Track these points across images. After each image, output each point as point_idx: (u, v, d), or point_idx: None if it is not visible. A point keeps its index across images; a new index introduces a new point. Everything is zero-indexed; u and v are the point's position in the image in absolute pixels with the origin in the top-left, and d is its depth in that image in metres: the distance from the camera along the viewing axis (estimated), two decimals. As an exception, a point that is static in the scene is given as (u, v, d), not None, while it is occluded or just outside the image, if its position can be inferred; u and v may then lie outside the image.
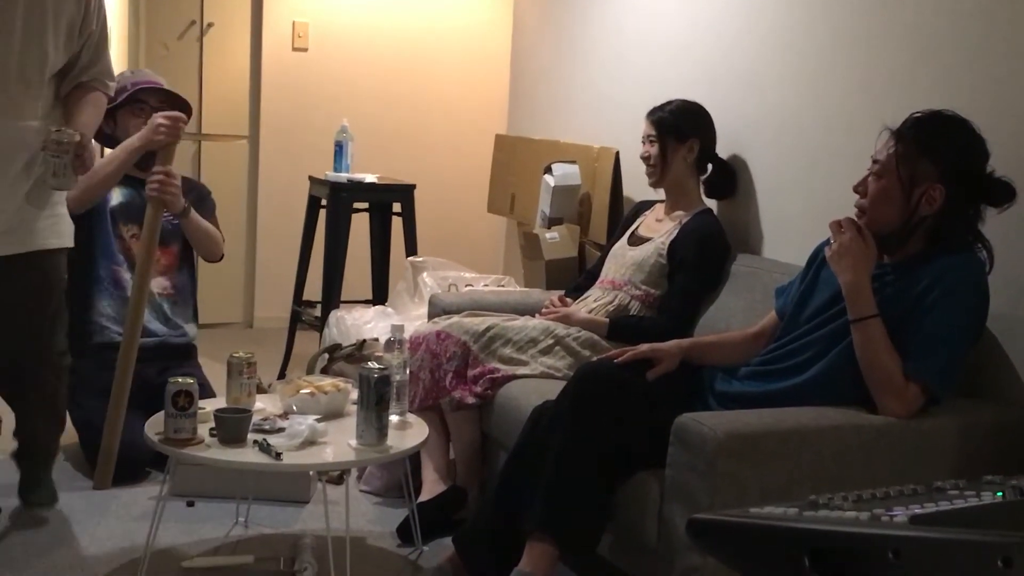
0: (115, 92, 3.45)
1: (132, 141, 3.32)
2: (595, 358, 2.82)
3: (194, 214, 3.41)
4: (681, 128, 3.22)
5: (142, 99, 3.51)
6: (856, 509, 1.45)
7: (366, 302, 4.57)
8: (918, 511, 1.36)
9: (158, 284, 3.50)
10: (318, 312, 4.48)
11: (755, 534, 1.44)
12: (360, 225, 4.73)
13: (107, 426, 2.77)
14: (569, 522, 2.35)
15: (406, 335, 2.97)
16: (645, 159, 3.28)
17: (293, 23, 5.44)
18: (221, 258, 3.71)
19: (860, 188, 2.42)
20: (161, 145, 3.13)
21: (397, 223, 4.62)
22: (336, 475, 3.25)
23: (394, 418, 2.72)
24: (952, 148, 2.33)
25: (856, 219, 2.41)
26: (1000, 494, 1.40)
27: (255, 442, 2.49)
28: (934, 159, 2.31)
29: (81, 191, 3.25)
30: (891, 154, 2.35)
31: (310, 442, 2.52)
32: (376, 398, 2.51)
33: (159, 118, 3.11)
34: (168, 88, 3.58)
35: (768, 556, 1.41)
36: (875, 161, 2.39)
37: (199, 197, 3.63)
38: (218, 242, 3.58)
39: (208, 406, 2.65)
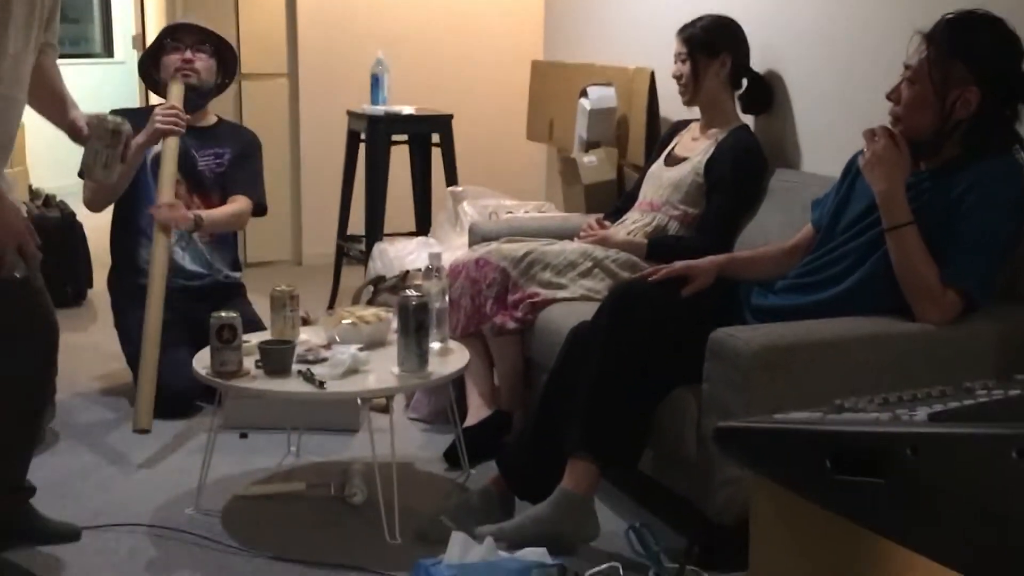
0: (161, 33, 3.54)
1: (139, 139, 3.34)
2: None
3: (206, 220, 3.44)
4: (712, 43, 3.18)
5: (178, 38, 3.55)
6: (879, 411, 1.46)
7: (410, 234, 4.60)
8: (937, 409, 1.37)
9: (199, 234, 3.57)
10: (363, 246, 4.52)
11: (779, 439, 1.46)
12: (401, 157, 4.75)
13: (142, 370, 2.84)
14: (608, 440, 2.39)
15: (445, 263, 3.00)
16: (677, 78, 3.24)
17: (327, -44, 5.42)
18: (264, 212, 3.75)
19: (893, 95, 2.39)
20: (165, 135, 3.33)
21: (437, 154, 4.63)
22: (383, 403, 3.31)
23: (435, 345, 2.76)
24: (985, 48, 2.28)
25: (891, 127, 2.38)
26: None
27: (299, 372, 2.55)
28: (967, 61, 2.27)
29: (101, 193, 3.42)
30: (923, 59, 2.31)
31: (353, 371, 2.57)
32: (415, 325, 2.55)
33: (157, 113, 3.36)
34: (202, 26, 3.60)
35: (792, 460, 1.43)
36: (907, 67, 2.36)
37: (241, 151, 3.66)
38: (240, 220, 3.62)
39: (254, 339, 2.71)
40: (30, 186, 6.17)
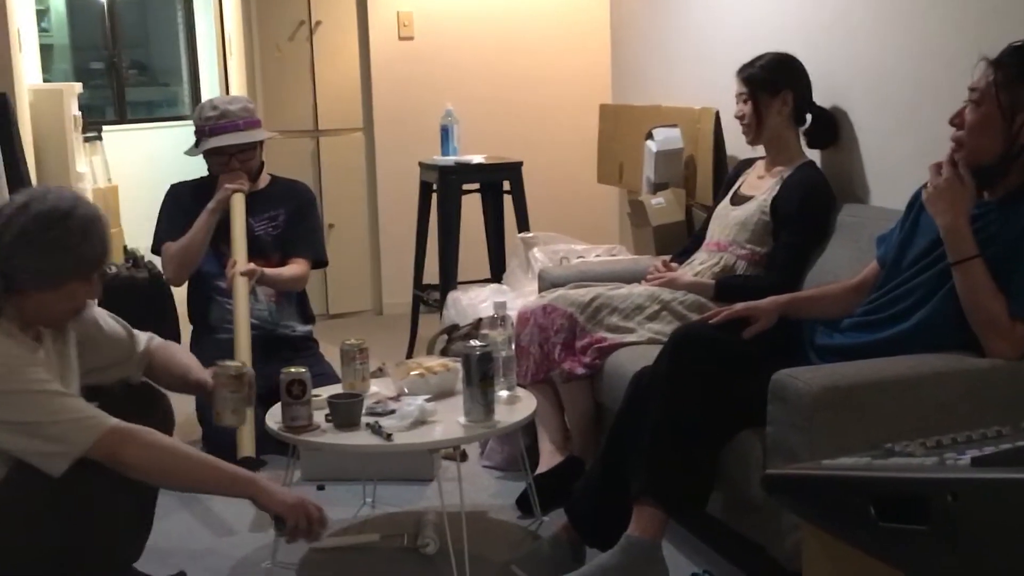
0: (201, 128, 3.63)
1: (209, 205, 3.57)
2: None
3: (267, 275, 3.54)
4: (772, 81, 3.16)
5: (220, 151, 3.65)
6: (929, 455, 1.43)
7: (484, 281, 4.64)
8: (987, 451, 1.34)
9: (263, 291, 3.66)
10: (439, 295, 4.57)
11: (824, 486, 1.44)
12: (474, 205, 4.81)
13: None
14: (673, 485, 2.37)
15: (511, 311, 3.02)
16: (740, 118, 3.23)
17: (397, 13, 5.54)
18: (325, 265, 3.88)
19: (956, 120, 2.35)
20: (233, 193, 3.56)
21: (510, 201, 4.67)
22: (460, 452, 3.33)
23: (503, 393, 2.78)
24: None
25: (953, 152, 2.34)
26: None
27: (367, 425, 2.59)
28: None
29: (180, 264, 3.60)
30: (990, 81, 2.27)
31: (420, 422, 2.60)
32: (479, 375, 2.57)
33: (224, 181, 3.58)
34: (240, 124, 3.65)
35: (838, 507, 1.42)
36: (972, 90, 2.31)
37: (298, 206, 3.75)
38: (299, 283, 3.71)
39: (325, 393, 2.76)
40: (125, 247, 6.39)
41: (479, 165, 4.56)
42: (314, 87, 5.55)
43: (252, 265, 3.44)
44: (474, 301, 4.00)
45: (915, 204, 2.50)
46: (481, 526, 2.92)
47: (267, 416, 2.70)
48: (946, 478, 1.23)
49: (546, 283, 3.52)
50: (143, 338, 2.49)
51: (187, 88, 9.37)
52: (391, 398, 2.78)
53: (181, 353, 2.55)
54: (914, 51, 2.98)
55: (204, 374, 2.48)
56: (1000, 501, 1.17)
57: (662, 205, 3.81)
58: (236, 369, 2.41)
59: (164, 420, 2.42)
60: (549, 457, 3.12)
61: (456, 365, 2.87)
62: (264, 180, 3.79)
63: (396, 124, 5.59)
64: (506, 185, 4.65)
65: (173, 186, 3.78)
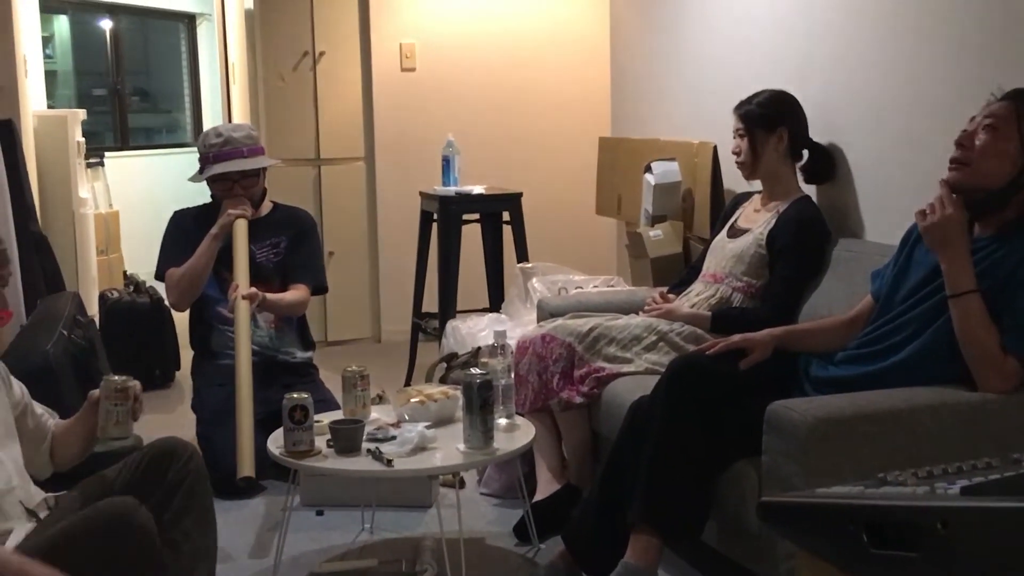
0: (205, 155, 3.67)
1: (212, 231, 3.63)
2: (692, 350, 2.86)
3: (268, 299, 3.57)
4: (769, 118, 3.21)
5: (224, 178, 3.70)
6: (920, 484, 1.47)
7: (483, 310, 4.68)
8: (977, 481, 1.37)
9: (263, 317, 3.70)
10: (438, 323, 4.61)
11: (818, 513, 1.48)
12: (474, 234, 4.86)
13: (238, 417, 3.09)
14: (670, 513, 2.41)
15: (510, 340, 3.06)
16: (736, 154, 3.29)
17: (400, 45, 5.60)
18: (325, 291, 3.92)
19: (966, 140, 2.35)
20: (236, 219, 3.60)
21: (509, 231, 4.72)
22: (458, 479, 3.37)
23: (502, 421, 2.81)
24: None
25: (950, 171, 2.36)
26: (1059, 462, 1.40)
27: (368, 451, 2.62)
28: None
29: (183, 290, 3.63)
30: (1012, 110, 2.31)
31: (420, 448, 2.64)
32: (480, 403, 2.61)
33: (228, 206, 3.63)
34: (244, 151, 3.70)
35: (831, 534, 1.45)
36: (989, 116, 2.33)
37: (299, 233, 3.80)
38: (300, 308, 3.75)
39: (326, 419, 2.80)
40: (125, 272, 6.44)
41: (479, 195, 4.62)
42: (316, 116, 5.62)
43: (254, 289, 3.47)
44: (473, 330, 4.04)
45: (909, 239, 2.54)
46: (479, 553, 2.95)
47: (269, 441, 2.74)
48: (936, 506, 1.27)
49: (545, 313, 3.57)
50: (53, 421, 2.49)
51: (189, 115, 9.46)
52: (391, 424, 2.81)
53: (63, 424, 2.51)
54: (910, 88, 3.04)
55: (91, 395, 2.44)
56: (988, 529, 1.20)
57: (660, 237, 3.86)
58: (121, 381, 2.40)
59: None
60: (546, 485, 3.15)
61: (456, 393, 2.91)
62: (266, 207, 3.83)
63: (397, 154, 5.64)
64: (506, 215, 4.71)
65: (176, 213, 3.82)
